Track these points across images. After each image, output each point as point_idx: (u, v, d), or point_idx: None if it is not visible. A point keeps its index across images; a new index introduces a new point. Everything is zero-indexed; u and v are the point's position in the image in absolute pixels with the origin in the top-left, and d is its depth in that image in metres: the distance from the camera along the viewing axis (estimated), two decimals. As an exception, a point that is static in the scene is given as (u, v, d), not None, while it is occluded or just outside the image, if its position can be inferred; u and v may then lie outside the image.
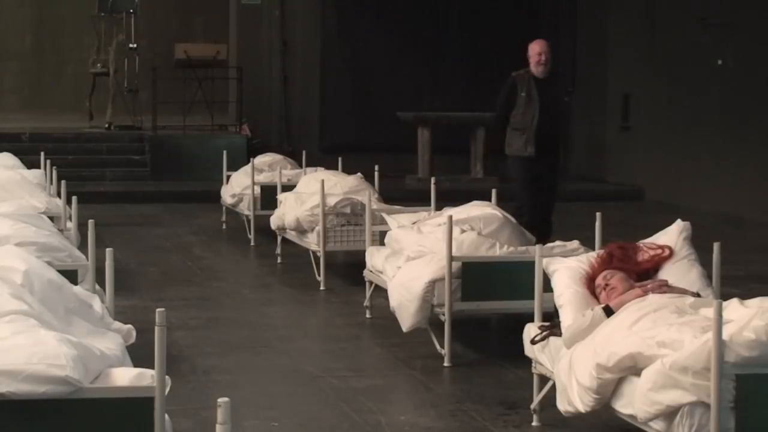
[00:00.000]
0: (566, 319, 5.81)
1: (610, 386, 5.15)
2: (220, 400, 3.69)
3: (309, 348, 8.19)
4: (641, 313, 5.24)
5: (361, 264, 9.09)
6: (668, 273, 6.12)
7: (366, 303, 9.01)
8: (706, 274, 6.16)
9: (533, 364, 6.20)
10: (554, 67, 10.81)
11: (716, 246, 6.12)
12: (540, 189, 10.55)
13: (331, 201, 10.38)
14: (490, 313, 8.47)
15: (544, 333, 6.02)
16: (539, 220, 10.29)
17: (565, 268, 6.17)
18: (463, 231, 7.93)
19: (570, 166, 20.45)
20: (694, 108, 16.85)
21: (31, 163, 12.81)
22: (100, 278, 6.13)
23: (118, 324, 5.42)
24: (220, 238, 13.57)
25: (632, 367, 5.01)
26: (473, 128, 18.30)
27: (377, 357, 7.98)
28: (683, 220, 6.45)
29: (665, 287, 5.80)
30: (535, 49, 10.48)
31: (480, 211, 8.43)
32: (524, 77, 10.52)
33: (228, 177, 14.11)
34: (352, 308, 9.34)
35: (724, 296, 5.36)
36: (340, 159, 12.90)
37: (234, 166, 14.37)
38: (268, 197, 12.63)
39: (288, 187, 12.05)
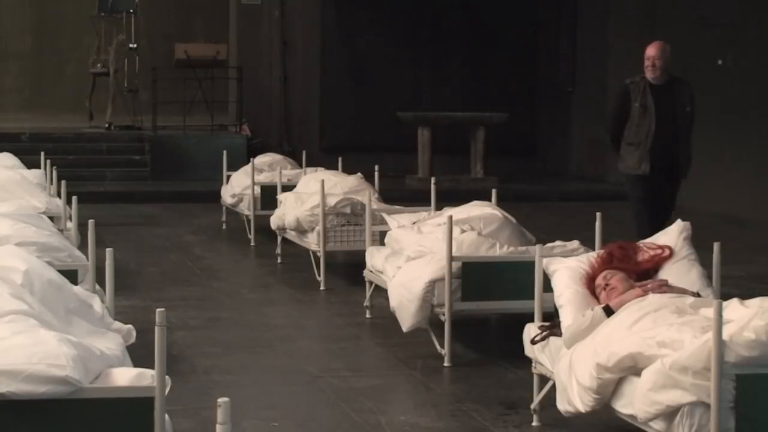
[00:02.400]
0: (566, 319, 5.81)
1: (610, 386, 5.15)
2: (220, 400, 3.69)
3: (309, 348, 8.18)
4: (641, 313, 5.24)
5: (361, 264, 9.09)
6: (668, 273, 6.12)
7: (366, 303, 9.01)
8: (706, 274, 6.16)
9: (533, 364, 6.20)
10: (674, 72, 9.75)
11: (716, 246, 6.12)
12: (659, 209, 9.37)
13: (331, 201, 10.38)
14: (490, 313, 8.46)
15: (544, 333, 6.01)
16: None
17: (565, 268, 6.17)
18: (463, 231, 7.93)
19: (570, 166, 20.47)
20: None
21: (31, 163, 12.80)
22: (100, 278, 6.13)
23: (118, 324, 5.42)
24: (220, 238, 13.56)
25: (632, 367, 5.01)
26: (473, 128, 18.30)
27: (377, 357, 7.98)
28: (683, 220, 6.45)
29: (665, 287, 5.80)
30: (647, 53, 9.43)
31: (480, 211, 8.43)
32: (639, 85, 9.43)
33: (228, 177, 14.10)
34: (352, 308, 9.34)
35: (724, 296, 5.36)
36: (340, 159, 12.90)
37: (234, 166, 14.35)
38: (268, 197, 12.62)
39: (288, 187, 12.05)
